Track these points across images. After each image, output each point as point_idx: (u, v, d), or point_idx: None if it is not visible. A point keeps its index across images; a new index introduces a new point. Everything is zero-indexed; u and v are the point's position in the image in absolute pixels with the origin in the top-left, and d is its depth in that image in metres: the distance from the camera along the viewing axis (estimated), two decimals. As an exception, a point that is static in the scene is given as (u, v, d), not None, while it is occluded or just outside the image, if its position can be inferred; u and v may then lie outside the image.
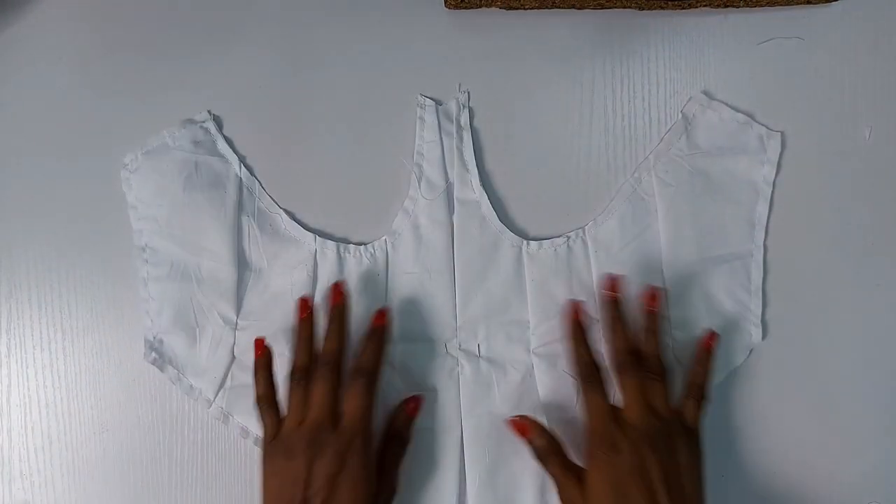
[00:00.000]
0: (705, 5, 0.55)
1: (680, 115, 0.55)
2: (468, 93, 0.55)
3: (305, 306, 0.51)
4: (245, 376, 0.53)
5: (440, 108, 0.55)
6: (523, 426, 0.51)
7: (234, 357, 0.53)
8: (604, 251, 0.54)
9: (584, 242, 0.54)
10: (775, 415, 0.53)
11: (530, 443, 0.50)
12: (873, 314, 0.54)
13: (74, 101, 0.56)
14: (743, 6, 0.55)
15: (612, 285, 0.51)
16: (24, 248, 0.55)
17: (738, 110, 0.55)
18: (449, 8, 0.55)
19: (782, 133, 0.54)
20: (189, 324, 0.53)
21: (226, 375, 0.53)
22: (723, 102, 0.55)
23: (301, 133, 0.55)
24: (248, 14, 0.56)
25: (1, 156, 0.56)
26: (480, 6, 0.55)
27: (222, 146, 0.55)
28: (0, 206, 0.55)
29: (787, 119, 0.55)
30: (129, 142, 0.55)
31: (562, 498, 0.50)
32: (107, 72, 0.56)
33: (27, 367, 0.55)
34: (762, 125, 0.54)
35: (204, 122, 0.55)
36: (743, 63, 0.55)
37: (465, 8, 0.55)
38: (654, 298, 0.51)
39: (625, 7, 0.55)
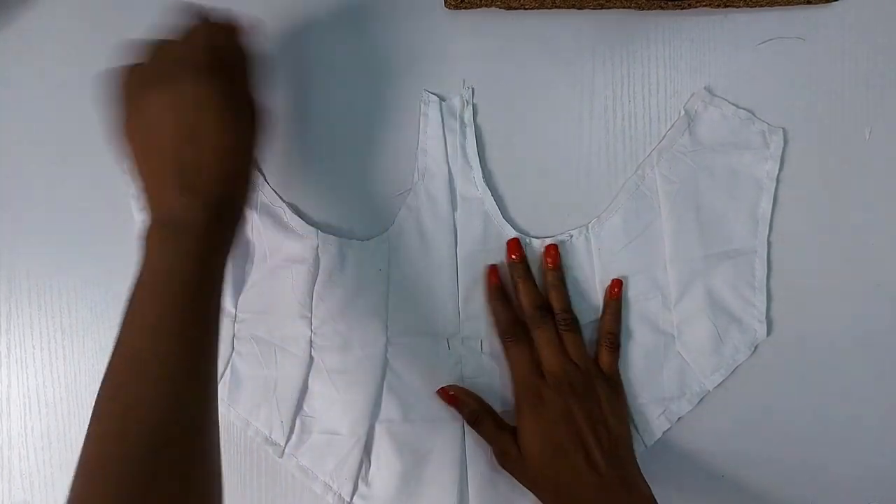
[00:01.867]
0: (705, 5, 0.55)
1: (682, 112, 0.55)
2: (472, 89, 0.55)
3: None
4: (245, 367, 0.53)
5: (444, 103, 0.55)
6: (453, 396, 0.52)
7: (233, 349, 0.53)
8: (607, 248, 0.54)
9: (588, 240, 0.54)
10: (775, 414, 0.54)
11: (461, 410, 0.52)
12: (873, 313, 0.54)
13: (74, 100, 0.55)
14: (743, 6, 0.55)
15: (514, 249, 0.53)
16: (24, 247, 0.55)
17: (739, 107, 0.55)
18: (449, 8, 0.55)
19: (784, 129, 0.54)
20: None
21: (226, 367, 0.53)
22: (725, 99, 0.55)
23: (305, 127, 0.55)
24: (249, 11, 0.56)
25: (0, 155, 0.56)
26: (480, 6, 0.54)
27: None
28: (0, 205, 0.55)
29: (788, 119, 0.55)
30: (129, 142, 0.55)
31: (497, 457, 0.51)
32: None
33: (27, 367, 0.55)
34: (764, 121, 0.54)
35: None
36: (743, 63, 0.55)
37: (465, 8, 0.55)
38: (554, 253, 0.53)
39: (625, 7, 0.55)
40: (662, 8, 0.55)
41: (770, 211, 0.54)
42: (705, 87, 0.55)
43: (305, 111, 0.55)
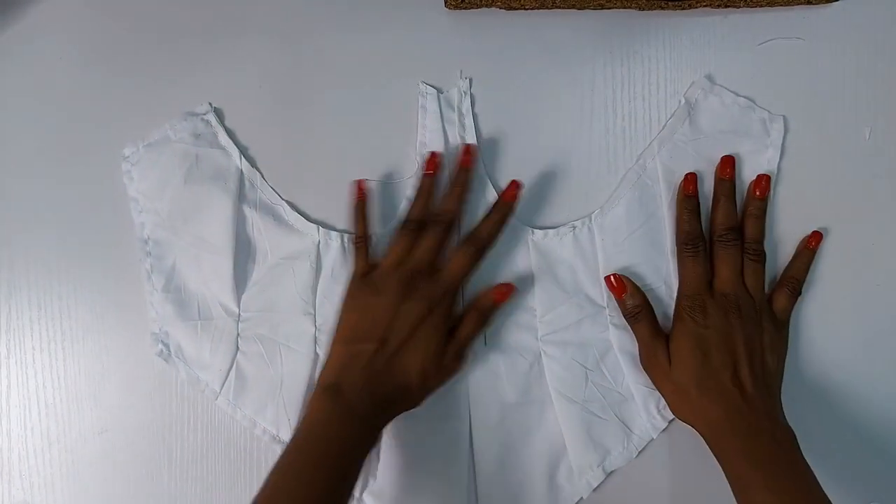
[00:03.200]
0: (705, 5, 0.55)
1: (682, 101, 0.55)
2: (470, 80, 0.55)
3: (433, 163, 0.53)
4: (250, 367, 0.53)
5: (442, 96, 0.54)
6: (619, 285, 0.52)
7: (237, 348, 0.53)
8: (610, 239, 0.54)
9: (591, 231, 0.54)
10: (775, 415, 0.54)
11: (622, 302, 0.52)
12: (873, 314, 0.54)
13: (74, 100, 0.55)
14: (743, 6, 0.55)
15: (727, 167, 0.52)
16: (23, 248, 0.55)
17: (739, 95, 0.55)
18: (449, 8, 0.55)
19: (784, 117, 0.54)
20: (192, 316, 0.53)
21: (230, 367, 0.53)
22: (724, 87, 0.55)
23: (303, 124, 0.55)
24: (248, 9, 0.56)
25: (0, 155, 0.56)
26: (480, 6, 0.54)
27: (223, 138, 0.55)
28: (0, 205, 0.55)
29: (787, 119, 0.55)
30: (129, 141, 0.55)
31: (644, 359, 0.51)
32: (106, 72, 0.56)
33: (27, 368, 0.55)
34: (764, 109, 0.54)
35: (205, 114, 0.55)
36: (743, 63, 0.55)
37: (465, 8, 0.55)
38: (764, 185, 0.52)
39: (625, 7, 0.55)
40: (662, 8, 0.55)
41: (770, 198, 0.54)
42: (706, 76, 0.55)
43: (304, 107, 0.55)
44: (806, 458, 0.54)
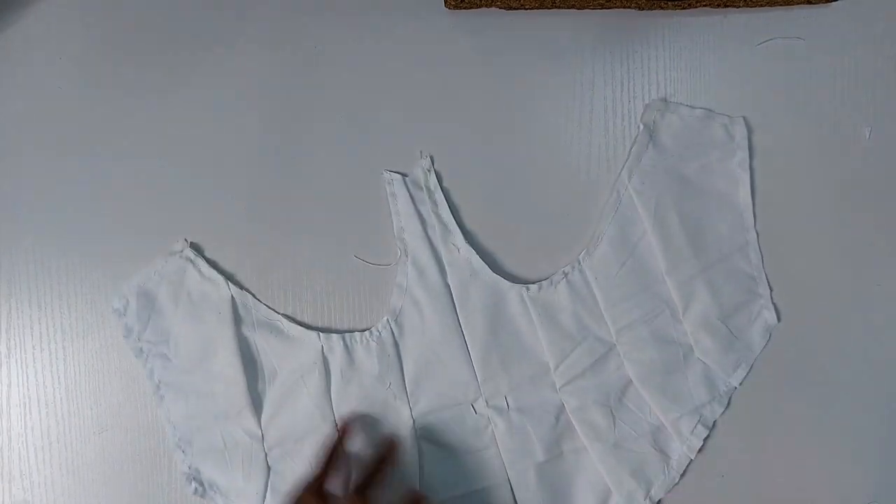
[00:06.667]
0: (705, 5, 0.55)
1: (640, 126, 0.55)
2: (431, 157, 0.54)
3: None
4: (283, 484, 0.53)
5: (407, 179, 0.54)
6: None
7: (269, 467, 0.53)
8: (603, 276, 0.53)
9: (582, 272, 0.54)
10: (775, 415, 0.53)
11: None
12: (873, 314, 0.54)
13: (74, 100, 0.56)
14: (743, 6, 0.55)
15: None
16: (24, 248, 0.55)
17: (695, 106, 0.55)
18: (449, 8, 0.55)
19: (745, 118, 0.54)
20: (219, 448, 0.53)
21: (266, 488, 0.53)
22: (680, 103, 0.55)
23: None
24: (246, 18, 0.56)
25: (0, 155, 0.56)
26: (480, 6, 0.55)
27: (206, 270, 0.54)
28: (0, 205, 0.55)
29: (787, 119, 0.55)
30: (129, 140, 0.55)
31: None
32: (105, 72, 0.56)
33: (27, 367, 0.55)
34: (723, 115, 0.54)
35: (182, 251, 0.54)
36: (743, 63, 0.55)
37: (465, 8, 0.55)
38: None
39: (625, 7, 0.55)
40: (662, 8, 0.55)
41: (750, 199, 0.54)
42: (659, 98, 0.55)
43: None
44: (806, 457, 0.54)
